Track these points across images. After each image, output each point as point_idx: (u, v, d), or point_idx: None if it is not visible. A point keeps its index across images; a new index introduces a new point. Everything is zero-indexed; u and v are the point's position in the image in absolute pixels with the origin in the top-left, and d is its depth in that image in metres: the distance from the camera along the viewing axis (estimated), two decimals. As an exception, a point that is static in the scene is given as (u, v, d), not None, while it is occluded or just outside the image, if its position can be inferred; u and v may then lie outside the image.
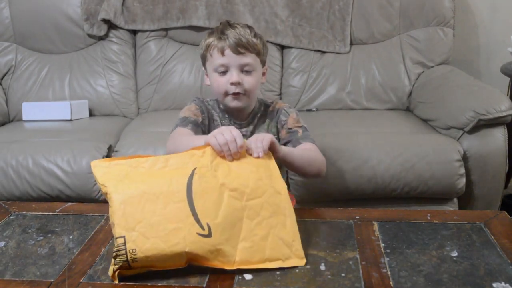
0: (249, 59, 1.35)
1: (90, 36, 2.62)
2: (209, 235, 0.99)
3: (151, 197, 1.02)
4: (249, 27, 1.39)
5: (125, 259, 0.97)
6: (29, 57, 2.64)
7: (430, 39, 2.56)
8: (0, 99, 2.57)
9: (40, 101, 2.54)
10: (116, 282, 0.97)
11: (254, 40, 1.36)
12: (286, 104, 1.51)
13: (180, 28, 2.58)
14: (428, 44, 2.56)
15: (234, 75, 1.34)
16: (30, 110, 2.47)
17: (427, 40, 2.56)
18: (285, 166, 1.35)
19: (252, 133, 1.45)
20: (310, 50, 2.60)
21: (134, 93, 2.62)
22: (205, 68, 1.44)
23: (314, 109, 2.55)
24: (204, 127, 1.42)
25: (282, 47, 2.63)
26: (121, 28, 2.60)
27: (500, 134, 2.05)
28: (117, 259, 0.97)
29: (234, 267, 1.00)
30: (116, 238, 0.99)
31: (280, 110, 1.47)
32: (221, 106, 1.46)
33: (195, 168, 1.06)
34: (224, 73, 1.36)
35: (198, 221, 1.00)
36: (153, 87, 2.58)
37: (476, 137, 2.04)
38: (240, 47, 1.33)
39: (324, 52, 2.60)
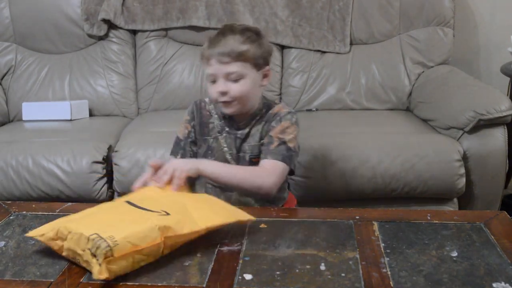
0: (234, 67, 1.34)
1: (90, 36, 2.62)
2: (169, 214, 1.07)
3: (99, 214, 1.12)
4: (244, 31, 1.38)
5: (107, 245, 0.95)
6: (29, 57, 2.64)
7: (430, 39, 2.56)
8: (0, 99, 2.57)
9: (40, 101, 2.54)
10: (107, 276, 0.94)
11: (241, 46, 1.34)
12: (287, 109, 1.45)
13: (180, 28, 2.58)
14: (428, 44, 2.56)
15: (219, 85, 1.36)
16: (30, 110, 2.47)
17: (427, 40, 2.56)
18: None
19: (247, 135, 1.44)
20: (310, 50, 2.60)
21: (134, 93, 2.62)
22: None
23: (314, 109, 2.55)
24: (193, 135, 1.49)
25: (282, 47, 2.63)
26: (121, 28, 2.60)
27: (500, 134, 2.05)
28: (98, 251, 0.95)
29: (203, 228, 1.07)
30: (89, 237, 0.97)
31: (277, 116, 1.43)
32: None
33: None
34: (214, 82, 1.37)
35: (152, 211, 1.08)
36: (153, 87, 2.59)
37: (476, 137, 2.04)
38: (223, 57, 1.34)
39: (324, 52, 2.60)
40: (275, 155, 1.36)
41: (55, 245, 1.04)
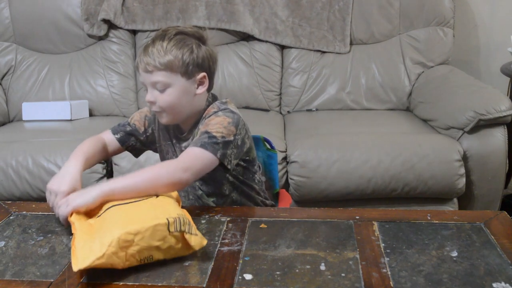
0: (158, 77, 1.26)
1: (90, 36, 2.62)
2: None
3: (119, 216, 1.07)
4: (174, 37, 1.27)
5: (184, 219, 1.03)
6: (29, 57, 2.64)
7: (430, 39, 2.56)
8: (0, 99, 2.57)
9: (40, 101, 2.54)
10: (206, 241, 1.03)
11: (166, 55, 1.25)
12: (214, 109, 1.31)
13: (180, 28, 2.57)
14: (428, 44, 2.56)
15: (147, 94, 1.29)
16: (30, 110, 2.47)
17: (427, 40, 2.56)
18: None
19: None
20: (310, 50, 2.60)
21: (134, 93, 2.62)
22: None
23: (314, 109, 2.56)
24: (147, 138, 1.42)
25: (282, 47, 2.63)
26: (121, 28, 2.60)
27: (500, 134, 2.05)
28: (186, 227, 1.01)
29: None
30: (168, 221, 1.01)
31: (206, 117, 1.31)
32: None
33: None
34: (146, 90, 1.31)
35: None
36: (153, 87, 2.58)
37: (476, 137, 2.04)
38: (148, 65, 1.26)
39: (324, 52, 2.60)
40: (193, 144, 1.24)
41: (117, 259, 0.97)
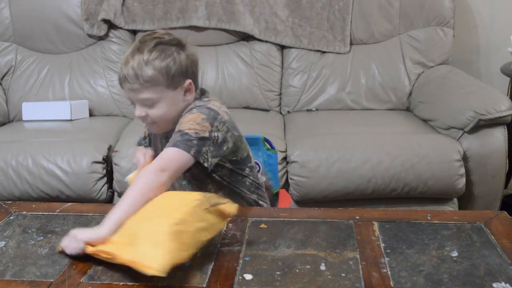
0: (145, 94, 1.22)
1: (90, 36, 2.62)
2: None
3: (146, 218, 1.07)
4: (154, 48, 1.22)
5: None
6: (29, 57, 2.64)
7: (430, 39, 2.56)
8: (0, 99, 2.57)
9: (40, 101, 2.54)
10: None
11: (149, 72, 1.20)
12: (193, 104, 1.29)
13: (180, 28, 2.58)
14: (428, 44, 2.56)
15: (136, 111, 1.26)
16: (30, 110, 2.47)
17: (427, 40, 2.56)
18: None
19: None
20: (310, 50, 2.60)
21: (134, 93, 2.62)
22: None
23: (314, 109, 2.55)
24: (149, 139, 1.46)
25: (282, 47, 2.63)
26: (121, 28, 2.60)
27: (500, 134, 2.05)
28: (214, 199, 1.06)
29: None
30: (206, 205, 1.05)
31: (182, 116, 1.28)
32: None
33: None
34: (133, 104, 1.27)
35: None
36: (153, 87, 2.58)
37: (476, 137, 2.04)
38: (132, 84, 1.21)
39: (324, 52, 2.60)
40: (168, 144, 1.22)
41: (183, 252, 0.98)
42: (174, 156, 1.19)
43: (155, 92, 1.23)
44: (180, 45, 1.26)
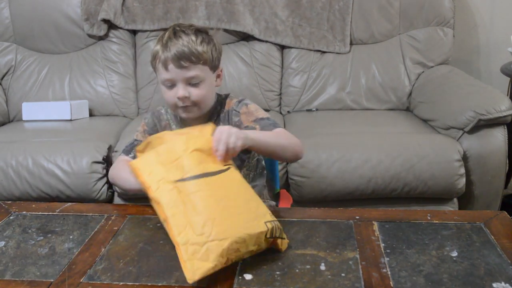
0: (195, 71, 1.27)
1: (90, 36, 2.62)
2: None
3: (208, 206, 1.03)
4: (197, 32, 1.30)
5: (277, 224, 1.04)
6: (29, 57, 2.64)
7: (430, 39, 2.56)
8: (0, 99, 2.57)
9: (40, 101, 2.54)
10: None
11: (200, 49, 1.27)
12: (234, 100, 1.39)
13: (180, 28, 2.57)
14: (428, 44, 2.56)
15: (180, 90, 1.28)
16: (30, 110, 2.47)
17: (427, 40, 2.56)
18: (257, 152, 1.34)
19: None
20: (310, 50, 2.60)
21: (134, 93, 2.62)
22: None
23: (314, 109, 2.55)
24: None
25: (282, 47, 2.63)
26: (121, 28, 2.60)
27: (500, 134, 2.05)
28: (278, 232, 1.03)
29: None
30: (267, 231, 1.01)
31: (231, 111, 1.37)
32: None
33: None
34: (171, 86, 1.30)
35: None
36: (153, 87, 2.59)
37: (476, 137, 2.04)
38: (183, 61, 1.26)
39: (324, 52, 2.60)
40: (267, 128, 1.31)
41: (221, 265, 0.97)
42: (285, 131, 1.33)
43: (202, 71, 1.29)
44: (208, 33, 1.34)
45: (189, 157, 1.08)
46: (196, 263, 0.95)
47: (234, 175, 1.11)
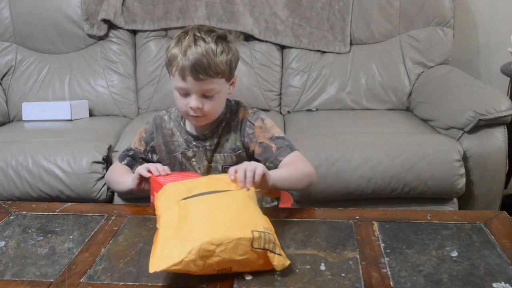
0: (212, 85, 1.25)
1: (90, 36, 2.62)
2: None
3: (199, 218, 1.02)
4: (217, 40, 1.25)
5: (270, 235, 0.98)
6: (29, 57, 2.64)
7: (430, 39, 2.56)
8: (0, 99, 2.57)
9: (40, 101, 2.54)
10: (289, 262, 0.98)
11: (219, 61, 1.23)
12: (250, 110, 1.38)
13: (180, 28, 2.57)
14: (428, 44, 2.56)
15: (193, 101, 1.26)
16: (30, 110, 2.47)
17: (427, 40, 2.56)
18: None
19: (217, 145, 1.37)
20: (310, 50, 2.60)
21: (134, 93, 2.62)
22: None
23: (314, 109, 2.55)
24: (146, 155, 1.45)
25: (282, 47, 2.63)
26: (121, 28, 2.60)
27: (500, 134, 2.05)
28: (270, 245, 0.97)
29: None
30: (253, 236, 0.95)
31: (244, 122, 1.35)
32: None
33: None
34: (185, 95, 1.27)
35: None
36: (153, 87, 2.59)
37: (476, 137, 2.04)
38: (201, 74, 1.22)
39: (324, 52, 2.60)
40: (286, 150, 1.31)
41: (195, 267, 0.94)
42: (300, 156, 1.33)
43: (219, 84, 1.27)
44: (227, 39, 1.30)
45: (203, 179, 1.11)
46: (165, 253, 0.94)
47: (241, 194, 1.09)
